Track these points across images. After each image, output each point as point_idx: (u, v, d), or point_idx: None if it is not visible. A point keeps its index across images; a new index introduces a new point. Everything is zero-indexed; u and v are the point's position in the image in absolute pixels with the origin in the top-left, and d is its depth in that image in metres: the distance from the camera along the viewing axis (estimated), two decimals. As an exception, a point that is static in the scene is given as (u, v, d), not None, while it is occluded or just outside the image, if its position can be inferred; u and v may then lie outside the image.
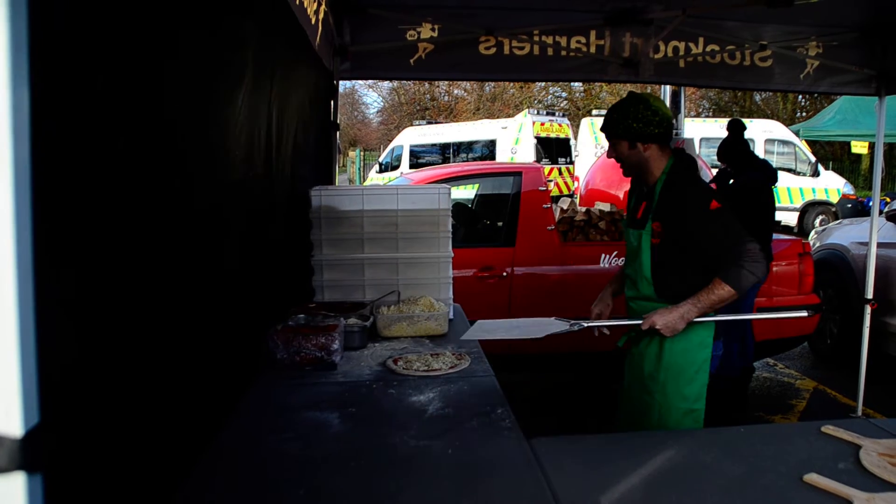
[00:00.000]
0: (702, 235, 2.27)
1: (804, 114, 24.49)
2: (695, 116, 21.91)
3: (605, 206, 5.52)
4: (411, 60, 4.02)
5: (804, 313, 2.56)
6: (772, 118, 19.71)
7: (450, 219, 3.02)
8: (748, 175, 4.76)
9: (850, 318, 5.30)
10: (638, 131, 2.34)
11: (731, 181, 4.84)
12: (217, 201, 1.74)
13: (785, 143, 15.16)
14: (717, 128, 14.48)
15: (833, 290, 5.77)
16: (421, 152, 17.65)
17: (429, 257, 3.00)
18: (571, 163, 16.11)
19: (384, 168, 17.97)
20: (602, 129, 2.49)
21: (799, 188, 14.82)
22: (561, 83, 26.94)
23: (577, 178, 14.89)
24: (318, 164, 3.61)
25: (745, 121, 5.43)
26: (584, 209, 5.33)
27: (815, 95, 21.12)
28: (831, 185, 14.93)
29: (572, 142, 16.55)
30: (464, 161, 16.19)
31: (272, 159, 2.36)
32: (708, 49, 4.16)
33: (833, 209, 14.40)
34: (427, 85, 30.71)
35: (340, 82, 4.09)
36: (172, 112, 1.39)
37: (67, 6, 0.92)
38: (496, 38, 4.03)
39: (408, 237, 2.99)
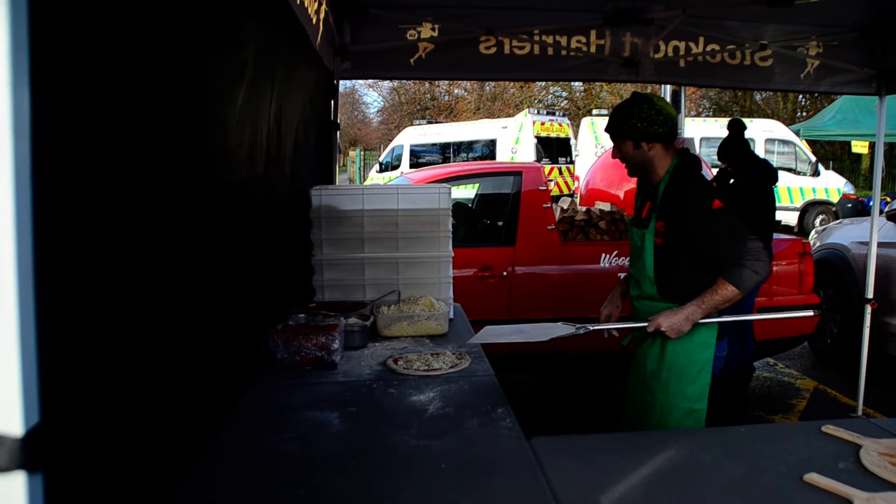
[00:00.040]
0: (704, 235, 2.27)
1: (804, 113, 24.49)
2: (695, 116, 21.92)
3: (606, 206, 5.51)
4: (411, 60, 4.02)
5: (810, 313, 2.53)
6: (772, 118, 19.70)
7: (450, 218, 3.02)
8: (748, 175, 4.76)
9: (851, 317, 5.30)
10: (642, 131, 2.35)
11: (732, 181, 4.84)
12: (218, 201, 1.74)
13: (785, 142, 15.16)
14: (718, 127, 14.49)
15: (833, 289, 5.77)
16: (421, 152, 17.64)
17: (429, 257, 3.00)
18: (572, 162, 16.11)
19: (384, 168, 17.97)
20: (606, 130, 2.49)
21: (799, 188, 14.81)
22: (561, 83, 26.96)
23: (578, 178, 14.89)
24: (318, 164, 3.61)
25: (746, 120, 5.43)
26: (584, 209, 5.33)
27: (816, 95, 21.12)
28: (831, 185, 14.93)
29: (572, 141, 16.55)
30: (464, 161, 16.19)
31: (273, 159, 2.36)
32: (708, 49, 4.16)
33: (833, 209, 14.39)
34: (427, 84, 30.72)
35: (340, 82, 4.09)
36: (173, 112, 1.39)
37: (67, 5, 0.92)
38: (496, 38, 4.02)
39: (408, 237, 2.99)
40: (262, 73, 2.13)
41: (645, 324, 2.33)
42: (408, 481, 1.47)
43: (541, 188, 4.81)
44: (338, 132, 4.22)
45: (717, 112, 26.50)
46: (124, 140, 1.14)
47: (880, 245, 4.56)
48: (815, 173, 14.94)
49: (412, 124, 19.92)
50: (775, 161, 13.34)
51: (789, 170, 14.60)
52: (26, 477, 0.53)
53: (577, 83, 27.04)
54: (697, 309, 2.25)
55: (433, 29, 3.96)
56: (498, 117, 21.31)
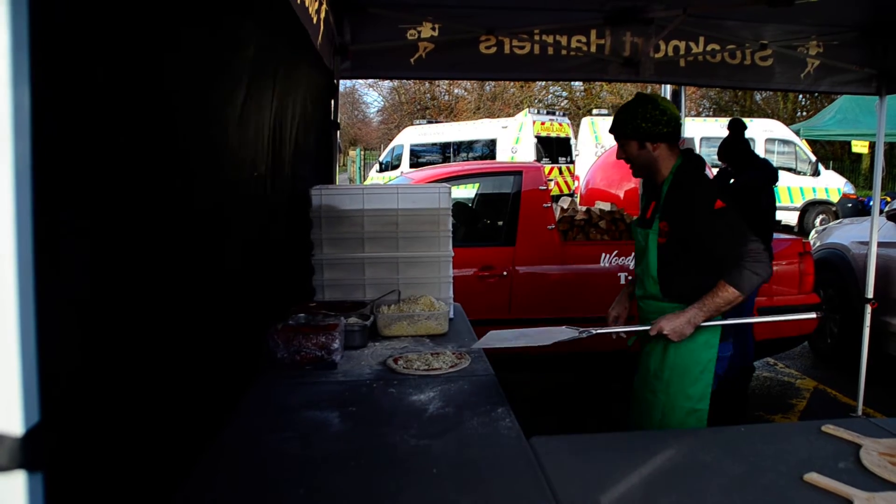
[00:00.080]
0: (706, 235, 2.28)
1: (805, 113, 24.49)
2: (695, 116, 21.93)
3: (606, 206, 5.52)
4: (412, 60, 4.01)
5: (812, 315, 2.52)
6: (772, 117, 19.70)
7: (450, 218, 3.02)
8: (749, 174, 4.76)
9: (851, 317, 5.30)
10: (647, 131, 2.36)
11: (732, 181, 4.83)
12: (218, 200, 1.74)
13: (785, 142, 15.15)
14: (718, 127, 14.49)
15: (833, 289, 5.77)
16: (421, 151, 17.64)
17: (429, 256, 3.00)
18: (572, 162, 16.11)
19: (384, 167, 17.97)
20: (611, 131, 2.50)
21: (799, 187, 14.81)
22: (561, 82, 26.97)
23: (578, 178, 14.89)
24: (318, 164, 3.61)
25: (746, 120, 5.43)
26: (584, 208, 5.33)
27: (816, 95, 21.13)
28: (832, 185, 14.93)
29: (573, 141, 16.55)
30: (464, 160, 16.19)
31: (273, 158, 2.36)
32: (708, 48, 4.16)
33: (833, 208, 14.40)
34: (427, 84, 30.72)
35: (341, 81, 4.09)
36: (173, 111, 1.39)
37: (67, 2, 0.92)
38: (497, 38, 4.02)
39: (408, 236, 2.99)
40: (263, 72, 2.13)
41: (647, 327, 2.34)
42: (408, 481, 1.47)
43: (541, 188, 4.81)
44: (338, 132, 4.22)
45: (718, 112, 26.50)
46: (125, 139, 1.14)
47: (880, 245, 4.56)
48: (816, 173, 14.94)
49: (412, 124, 19.91)
50: (775, 161, 13.34)
51: (789, 169, 14.61)
52: (26, 476, 0.53)
53: (577, 83, 27.08)
54: (699, 312, 2.26)
55: (433, 28, 3.95)
56: (498, 117, 21.32)
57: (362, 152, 27.42)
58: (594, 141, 15.54)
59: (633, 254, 4.57)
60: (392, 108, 33.95)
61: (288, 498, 1.40)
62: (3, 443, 0.52)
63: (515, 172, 4.93)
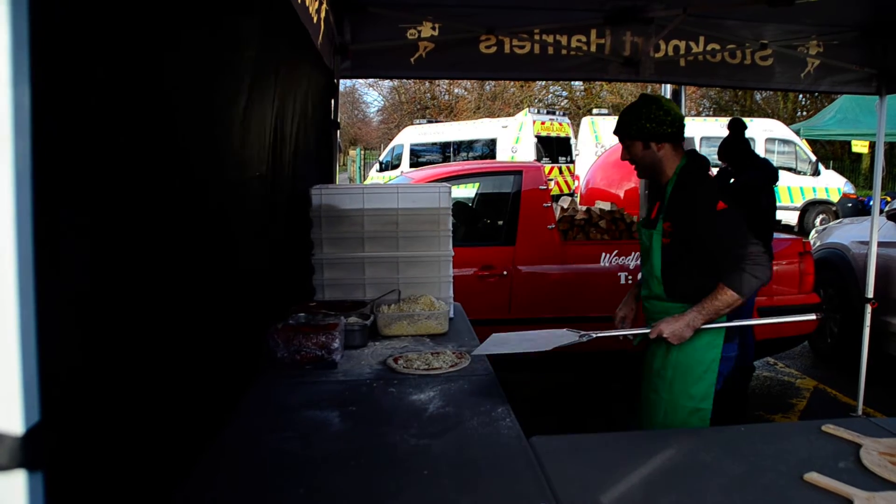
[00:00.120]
0: (707, 235, 2.28)
1: (805, 113, 24.49)
2: (695, 115, 21.93)
3: (606, 205, 5.52)
4: (412, 59, 4.01)
5: (812, 316, 2.51)
6: (772, 117, 19.71)
7: (450, 217, 3.02)
8: (749, 174, 4.76)
9: (851, 317, 5.30)
10: (651, 131, 2.37)
11: (732, 180, 4.83)
12: (219, 200, 1.74)
13: (785, 142, 15.15)
14: (718, 127, 14.48)
15: (833, 289, 5.77)
16: (421, 151, 17.65)
17: (429, 256, 3.00)
18: (572, 162, 16.12)
19: (384, 167, 17.97)
20: (615, 132, 2.51)
21: (799, 187, 14.81)
22: (561, 82, 26.96)
23: (578, 177, 14.89)
24: (318, 163, 3.61)
25: (746, 120, 5.43)
26: (584, 208, 5.33)
27: (816, 94, 21.13)
28: (832, 185, 14.93)
29: (573, 141, 16.55)
30: (464, 160, 16.19)
31: (274, 158, 2.36)
32: (708, 48, 4.16)
33: (833, 208, 14.40)
34: (427, 84, 30.71)
35: (341, 81, 4.09)
36: (173, 110, 1.39)
37: (67, 2, 0.92)
38: (497, 37, 4.02)
39: (408, 236, 2.99)
40: (264, 72, 2.13)
41: (647, 330, 2.34)
42: (408, 481, 1.47)
43: (541, 187, 4.81)
44: (338, 131, 4.22)
45: (718, 111, 26.49)
46: (125, 138, 1.14)
47: (880, 245, 4.56)
48: (816, 173, 14.94)
49: (412, 123, 19.91)
50: (775, 160, 13.34)
51: (789, 169, 14.60)
52: (26, 476, 0.53)
53: (577, 82, 27.06)
54: (698, 315, 2.26)
55: (433, 28, 3.95)
56: (498, 117, 21.32)
57: (362, 152, 27.42)
58: (594, 141, 15.54)
59: (633, 253, 4.59)
60: (392, 107, 33.95)
61: (288, 498, 1.40)
62: (4, 442, 0.52)
63: (515, 172, 4.94)
